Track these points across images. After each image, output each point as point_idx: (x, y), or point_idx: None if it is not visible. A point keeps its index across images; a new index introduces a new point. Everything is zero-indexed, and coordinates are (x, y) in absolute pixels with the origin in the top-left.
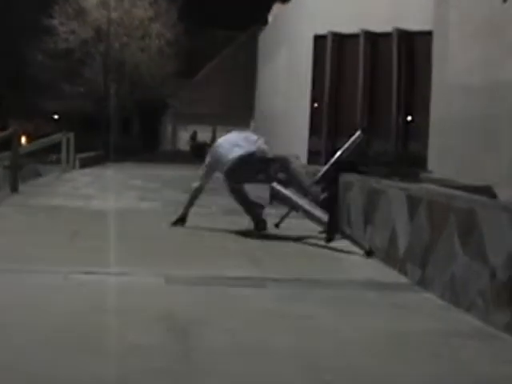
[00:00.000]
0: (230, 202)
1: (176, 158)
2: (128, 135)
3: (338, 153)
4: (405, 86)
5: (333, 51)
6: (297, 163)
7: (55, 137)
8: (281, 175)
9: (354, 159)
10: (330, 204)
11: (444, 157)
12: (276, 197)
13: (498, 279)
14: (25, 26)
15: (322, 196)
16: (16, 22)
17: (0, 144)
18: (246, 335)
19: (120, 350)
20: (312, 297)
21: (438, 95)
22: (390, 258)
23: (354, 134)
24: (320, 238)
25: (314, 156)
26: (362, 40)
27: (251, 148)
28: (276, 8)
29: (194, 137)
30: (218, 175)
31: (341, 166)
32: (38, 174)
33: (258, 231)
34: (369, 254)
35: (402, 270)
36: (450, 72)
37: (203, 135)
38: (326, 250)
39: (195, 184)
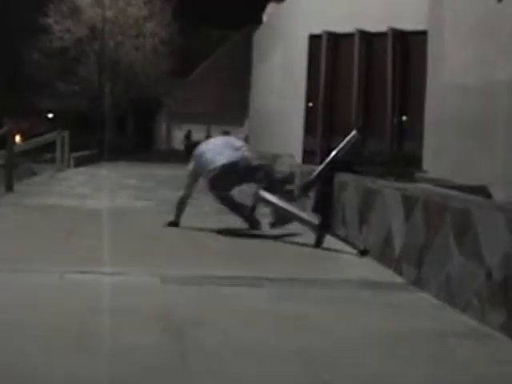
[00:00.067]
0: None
1: (170, 157)
2: (122, 134)
3: (333, 152)
4: (400, 86)
5: (328, 51)
6: (292, 162)
7: (50, 135)
8: (265, 182)
9: (349, 159)
10: (325, 205)
11: (439, 156)
12: (262, 203)
13: (494, 279)
14: (20, 24)
15: (316, 197)
16: (11, 21)
17: None
18: (242, 335)
19: (116, 350)
20: (307, 296)
21: (433, 95)
22: (385, 257)
23: (349, 134)
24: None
25: (308, 155)
26: (356, 40)
27: (235, 156)
28: (271, 7)
29: (188, 136)
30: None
31: (336, 166)
32: (33, 173)
33: (253, 230)
34: (363, 253)
35: (398, 270)
36: (445, 72)
37: (198, 134)
38: (320, 250)
39: (179, 193)
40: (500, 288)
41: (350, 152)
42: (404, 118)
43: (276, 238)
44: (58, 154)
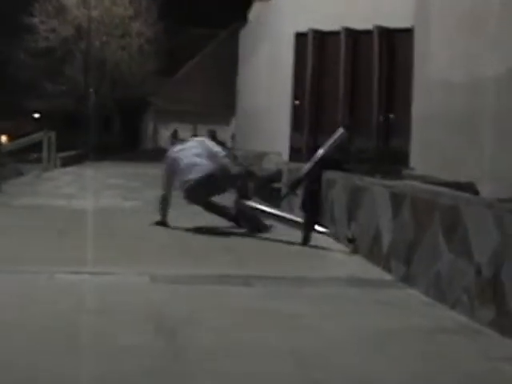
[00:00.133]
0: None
1: (157, 156)
2: (109, 133)
3: (320, 150)
4: (386, 83)
5: (314, 48)
6: (279, 160)
7: (36, 136)
8: (244, 190)
9: (337, 157)
10: (312, 202)
11: (426, 153)
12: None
13: (483, 276)
14: (5, 24)
15: (304, 195)
16: None
17: None
18: (234, 334)
19: (108, 350)
20: (297, 295)
21: (420, 91)
22: (373, 255)
23: (336, 131)
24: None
25: (295, 153)
26: (343, 37)
27: (211, 167)
28: (256, 6)
29: (175, 135)
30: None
31: (324, 164)
32: (20, 173)
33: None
34: (351, 241)
35: (386, 267)
36: (432, 68)
37: (184, 133)
38: (308, 248)
39: (160, 193)
40: (489, 284)
41: (337, 150)
42: (391, 115)
43: (264, 236)
44: (44, 154)
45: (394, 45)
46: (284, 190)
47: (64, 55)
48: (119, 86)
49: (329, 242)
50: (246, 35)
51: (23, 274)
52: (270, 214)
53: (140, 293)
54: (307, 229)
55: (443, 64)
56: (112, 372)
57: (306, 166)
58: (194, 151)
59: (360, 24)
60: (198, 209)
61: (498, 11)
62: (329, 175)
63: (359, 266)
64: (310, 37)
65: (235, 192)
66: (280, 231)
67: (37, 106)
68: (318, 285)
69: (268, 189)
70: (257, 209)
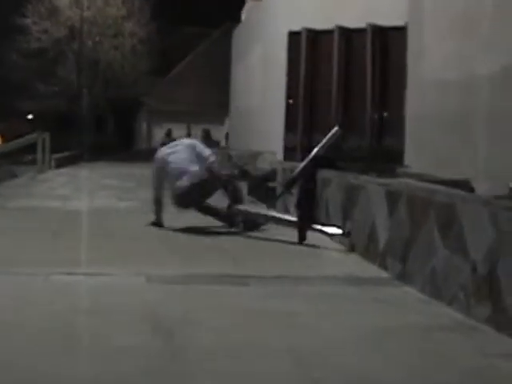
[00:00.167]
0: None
1: (151, 156)
2: (103, 134)
3: (316, 149)
4: (379, 82)
5: (307, 47)
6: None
7: (31, 137)
8: (235, 194)
9: (331, 155)
10: (308, 201)
11: (421, 151)
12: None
13: (479, 273)
14: None
15: (299, 194)
16: None
17: None
18: (232, 333)
19: (105, 351)
20: (293, 294)
21: (414, 90)
22: (369, 253)
23: (330, 130)
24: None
25: (289, 152)
26: (336, 36)
27: (200, 173)
28: (249, 4)
29: (168, 134)
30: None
31: (319, 162)
32: (14, 175)
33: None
34: (346, 235)
35: (382, 265)
36: (426, 66)
37: (178, 132)
38: (304, 247)
39: (152, 193)
40: (485, 281)
41: (332, 148)
42: (384, 113)
43: (260, 236)
44: (38, 155)
45: (388, 43)
46: (279, 190)
47: (56, 56)
48: (112, 86)
49: (325, 240)
50: (239, 34)
51: (18, 276)
52: (263, 216)
53: (136, 293)
54: (303, 228)
55: (437, 63)
56: (109, 372)
57: (301, 165)
58: (183, 155)
59: (353, 22)
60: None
61: (491, 11)
62: (324, 174)
63: (355, 265)
64: (304, 36)
65: (227, 197)
66: (276, 231)
67: (29, 107)
68: (315, 283)
69: (263, 188)
70: (250, 212)
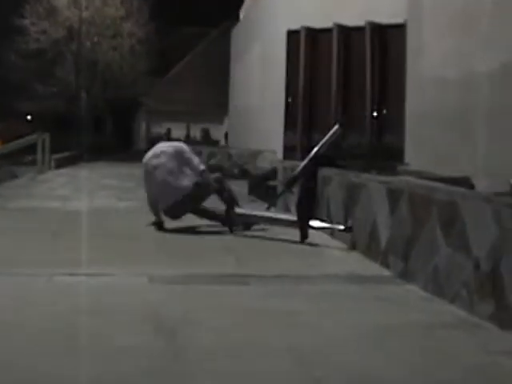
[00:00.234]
0: (206, 202)
1: None
2: (102, 134)
3: (316, 148)
4: (379, 79)
5: (306, 46)
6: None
7: (30, 138)
8: (229, 200)
9: (331, 153)
10: (309, 200)
11: (420, 149)
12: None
13: (482, 270)
14: None
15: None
16: None
17: None
18: (233, 333)
19: (107, 351)
20: (295, 293)
21: (413, 88)
22: (371, 251)
23: (330, 128)
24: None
25: (289, 151)
26: (335, 34)
27: (186, 184)
28: (248, 3)
29: (167, 134)
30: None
31: (319, 161)
32: (14, 176)
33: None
34: (347, 230)
35: (384, 263)
36: (425, 64)
37: (177, 132)
38: (306, 245)
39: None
40: (488, 279)
41: (332, 146)
42: (384, 111)
43: (261, 235)
44: (38, 156)
45: (387, 40)
46: (280, 188)
47: (55, 57)
48: (111, 87)
49: (327, 239)
50: (237, 33)
51: (19, 277)
52: (263, 217)
53: (138, 293)
54: (304, 226)
55: (436, 61)
56: (111, 373)
57: (302, 164)
58: (169, 167)
59: (352, 20)
60: None
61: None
62: (324, 172)
63: (357, 263)
64: (302, 34)
65: (223, 203)
66: (277, 230)
67: (28, 108)
68: (317, 282)
69: (263, 187)
70: (249, 215)
